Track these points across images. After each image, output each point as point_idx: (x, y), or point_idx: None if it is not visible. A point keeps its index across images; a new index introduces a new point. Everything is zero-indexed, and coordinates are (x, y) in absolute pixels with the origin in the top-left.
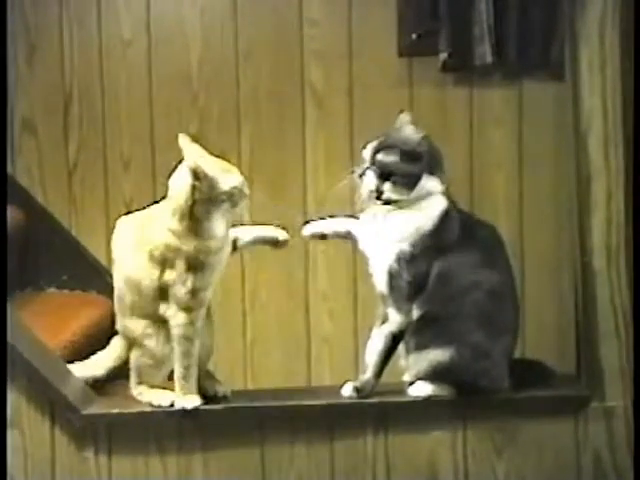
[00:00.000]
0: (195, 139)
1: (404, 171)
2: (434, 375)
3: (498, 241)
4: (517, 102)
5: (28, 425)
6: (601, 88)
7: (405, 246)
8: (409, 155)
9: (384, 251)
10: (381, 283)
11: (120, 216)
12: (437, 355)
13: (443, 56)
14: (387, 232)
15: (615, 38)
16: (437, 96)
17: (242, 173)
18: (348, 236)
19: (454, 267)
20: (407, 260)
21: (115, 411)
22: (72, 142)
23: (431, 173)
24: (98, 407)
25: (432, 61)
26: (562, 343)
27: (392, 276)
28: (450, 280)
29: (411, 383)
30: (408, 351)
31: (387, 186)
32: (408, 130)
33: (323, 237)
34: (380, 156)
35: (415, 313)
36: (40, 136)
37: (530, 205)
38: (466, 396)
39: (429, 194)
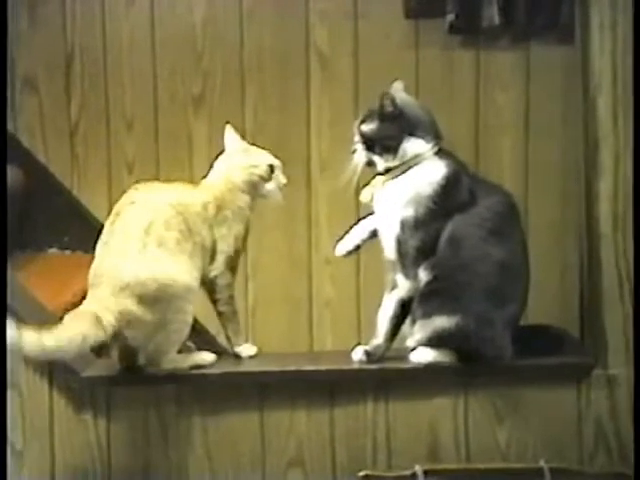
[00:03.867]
0: (199, 100)
1: (383, 135)
2: (438, 341)
3: (512, 209)
4: (524, 65)
5: (26, 387)
6: (612, 50)
7: (408, 212)
8: (385, 118)
9: (389, 219)
10: (390, 250)
11: (122, 177)
12: (442, 322)
13: (450, 17)
14: (388, 200)
15: None
16: (443, 58)
17: (246, 134)
18: (375, 235)
19: (464, 233)
20: (412, 226)
21: (114, 373)
22: (74, 101)
23: (411, 134)
24: (97, 369)
25: (439, 23)
26: (566, 310)
27: (400, 243)
28: (460, 246)
29: (413, 349)
30: (414, 318)
31: (376, 157)
32: (388, 96)
33: (357, 249)
34: (363, 127)
35: (423, 278)
36: (42, 94)
37: (536, 169)
38: (468, 363)
39: (418, 157)
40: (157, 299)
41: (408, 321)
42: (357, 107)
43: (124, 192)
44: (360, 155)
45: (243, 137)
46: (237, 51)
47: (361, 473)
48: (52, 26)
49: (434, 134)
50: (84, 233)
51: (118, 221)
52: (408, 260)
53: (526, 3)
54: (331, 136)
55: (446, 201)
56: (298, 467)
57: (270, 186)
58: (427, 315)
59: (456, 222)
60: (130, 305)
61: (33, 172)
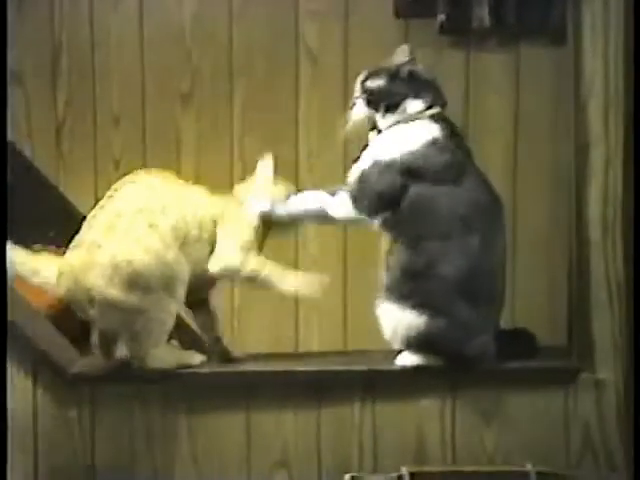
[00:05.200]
0: (187, 97)
1: (390, 92)
2: (416, 345)
3: (497, 205)
4: (514, 67)
5: (10, 384)
6: (603, 53)
7: (384, 157)
8: (394, 76)
9: (363, 159)
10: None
11: (108, 173)
12: (417, 323)
13: (440, 18)
14: (372, 148)
15: (620, 1)
16: (433, 58)
17: (234, 132)
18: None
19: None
20: (381, 169)
21: (99, 371)
22: (61, 96)
23: (416, 96)
24: (82, 367)
25: (429, 23)
26: (553, 314)
27: (362, 177)
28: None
29: (399, 352)
30: (389, 318)
31: (378, 114)
32: (397, 56)
33: None
34: (368, 83)
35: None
36: (28, 89)
37: (525, 173)
38: (455, 366)
39: (413, 117)
40: (130, 284)
41: (386, 321)
42: (346, 105)
43: (111, 188)
44: (359, 110)
45: (231, 135)
46: (226, 48)
47: (347, 475)
48: (39, 20)
49: (437, 97)
50: (69, 229)
51: (115, 195)
52: (367, 201)
53: (517, 4)
54: (320, 134)
55: (423, 166)
56: (284, 468)
57: None
58: (400, 314)
59: (425, 190)
60: (100, 285)
61: (18, 167)
